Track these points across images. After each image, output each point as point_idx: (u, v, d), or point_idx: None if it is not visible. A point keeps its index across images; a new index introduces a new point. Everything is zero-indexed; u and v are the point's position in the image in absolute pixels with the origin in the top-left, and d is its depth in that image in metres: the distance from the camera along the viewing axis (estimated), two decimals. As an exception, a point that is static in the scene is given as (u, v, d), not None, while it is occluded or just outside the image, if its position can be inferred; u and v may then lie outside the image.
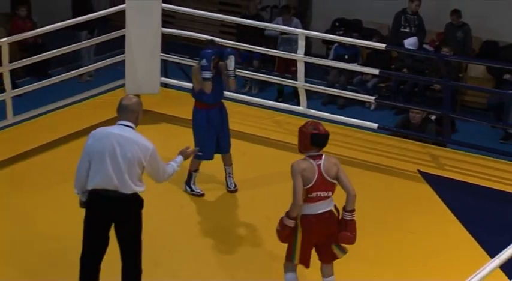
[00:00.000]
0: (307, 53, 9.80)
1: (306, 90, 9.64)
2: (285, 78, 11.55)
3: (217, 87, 7.65)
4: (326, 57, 13.04)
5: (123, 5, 9.59)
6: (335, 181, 5.88)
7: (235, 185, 8.06)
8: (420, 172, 8.62)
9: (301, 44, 9.43)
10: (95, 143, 5.75)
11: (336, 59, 12.44)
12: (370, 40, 11.42)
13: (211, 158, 7.84)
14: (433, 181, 8.43)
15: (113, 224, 5.88)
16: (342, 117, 9.55)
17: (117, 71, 10.15)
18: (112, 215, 5.82)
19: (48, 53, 9.48)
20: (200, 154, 7.46)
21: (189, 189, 7.98)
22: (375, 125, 9.30)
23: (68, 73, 9.90)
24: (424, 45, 13.07)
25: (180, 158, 6.15)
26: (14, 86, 9.27)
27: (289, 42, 12.72)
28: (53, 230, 7.18)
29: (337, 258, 6.06)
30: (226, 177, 8.07)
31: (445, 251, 7.16)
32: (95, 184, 5.73)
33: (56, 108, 9.44)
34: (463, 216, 7.73)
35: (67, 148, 8.64)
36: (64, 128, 9.04)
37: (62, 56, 9.73)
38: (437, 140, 9.51)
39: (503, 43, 13.19)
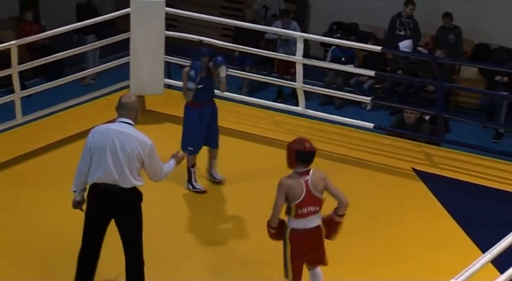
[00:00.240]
0: (306, 55, 9.81)
1: (305, 91, 9.63)
2: (284, 79, 11.57)
3: (208, 87, 7.77)
4: (324, 59, 13.03)
5: (128, 9, 9.58)
6: (322, 196, 5.86)
7: (220, 176, 8.11)
8: (414, 170, 8.60)
9: (300, 46, 9.42)
10: (95, 139, 5.79)
11: (333, 61, 12.45)
12: (366, 43, 11.41)
13: (197, 153, 7.91)
14: (427, 178, 8.41)
15: (113, 220, 5.90)
16: (339, 117, 9.55)
17: (122, 73, 10.15)
18: (112, 208, 5.84)
19: (57, 55, 9.47)
20: (191, 149, 7.72)
21: (191, 187, 7.97)
22: (370, 125, 9.30)
23: (74, 75, 9.89)
24: (418, 48, 13.07)
25: (172, 161, 6.16)
26: (23, 87, 9.26)
27: (288, 45, 12.72)
28: (58, 228, 7.15)
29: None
30: (211, 169, 8.12)
31: (438, 247, 7.14)
32: (96, 178, 5.76)
33: (64, 109, 9.44)
34: (456, 213, 7.72)
35: (74, 146, 8.57)
36: (71, 127, 9.02)
37: (69, 59, 9.70)
38: (431, 139, 9.50)
39: (495, 46, 13.19)
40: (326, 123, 9.51)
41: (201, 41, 8.14)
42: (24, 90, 9.19)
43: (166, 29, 9.77)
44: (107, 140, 5.72)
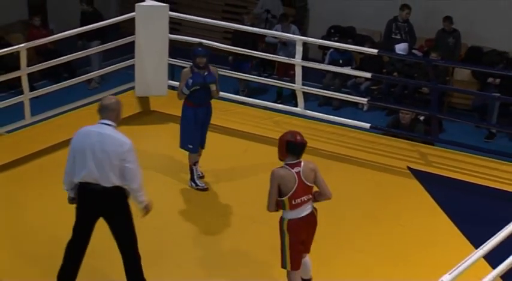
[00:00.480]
0: (305, 57, 9.82)
1: (303, 92, 9.63)
2: (283, 81, 11.56)
3: (204, 93, 7.79)
4: (322, 61, 13.01)
5: (133, 13, 9.59)
6: (313, 185, 5.87)
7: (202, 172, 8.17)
8: (409, 168, 8.60)
9: (299, 49, 9.43)
10: (78, 141, 5.88)
11: (331, 63, 12.43)
12: (363, 46, 11.38)
13: (197, 150, 7.93)
14: (421, 177, 8.41)
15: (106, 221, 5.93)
16: (337, 118, 9.55)
17: (126, 75, 10.14)
18: (97, 206, 5.90)
19: (62, 58, 9.48)
20: (191, 146, 7.77)
21: (194, 184, 7.97)
22: (367, 125, 9.29)
23: (81, 76, 9.93)
24: (413, 51, 13.06)
25: (143, 199, 5.95)
26: (32, 89, 9.25)
27: (288, 48, 12.71)
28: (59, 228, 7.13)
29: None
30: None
31: (433, 244, 7.13)
32: (81, 177, 5.84)
33: (71, 109, 9.43)
34: (450, 210, 7.71)
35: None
36: (78, 127, 8.93)
37: (74, 63, 9.69)
38: (425, 139, 9.49)
39: (487, 48, 13.19)
40: (324, 124, 9.51)
41: (200, 43, 8.15)
42: (32, 92, 9.18)
43: (170, 33, 9.78)
44: (88, 141, 5.81)
